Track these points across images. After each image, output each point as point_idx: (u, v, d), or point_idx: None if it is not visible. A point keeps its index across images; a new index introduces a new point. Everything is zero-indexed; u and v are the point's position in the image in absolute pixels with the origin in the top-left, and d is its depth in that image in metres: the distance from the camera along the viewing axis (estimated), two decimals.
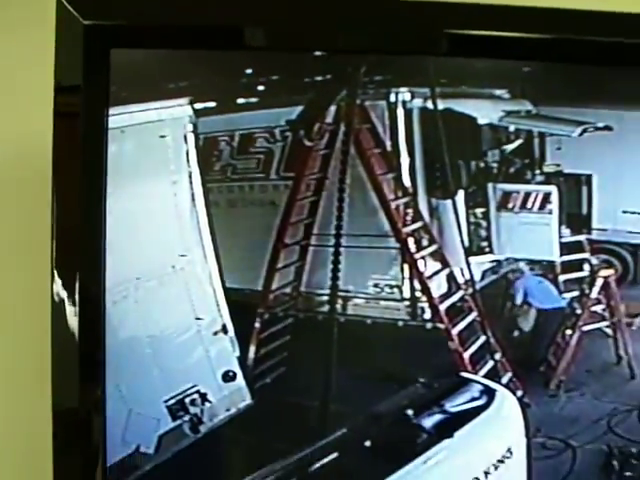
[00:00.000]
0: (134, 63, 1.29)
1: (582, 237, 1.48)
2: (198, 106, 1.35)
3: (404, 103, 1.41)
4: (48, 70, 1.23)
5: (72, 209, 1.27)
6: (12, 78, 1.46)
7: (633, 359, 1.48)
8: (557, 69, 1.37)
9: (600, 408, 1.45)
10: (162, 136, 1.35)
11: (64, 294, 1.27)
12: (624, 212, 1.46)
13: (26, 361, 1.46)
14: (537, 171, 1.47)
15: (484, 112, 1.45)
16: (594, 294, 1.49)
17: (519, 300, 1.51)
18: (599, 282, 1.48)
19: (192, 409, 1.38)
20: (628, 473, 1.43)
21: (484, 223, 1.49)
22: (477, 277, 1.49)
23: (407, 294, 1.49)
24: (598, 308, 1.50)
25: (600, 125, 1.40)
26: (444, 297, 1.48)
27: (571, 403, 1.47)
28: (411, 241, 1.45)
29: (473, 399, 1.45)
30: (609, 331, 1.50)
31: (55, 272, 1.27)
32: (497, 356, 1.46)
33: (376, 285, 1.49)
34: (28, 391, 1.45)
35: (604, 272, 1.48)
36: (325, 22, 1.30)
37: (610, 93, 1.40)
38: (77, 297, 1.27)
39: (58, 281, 1.27)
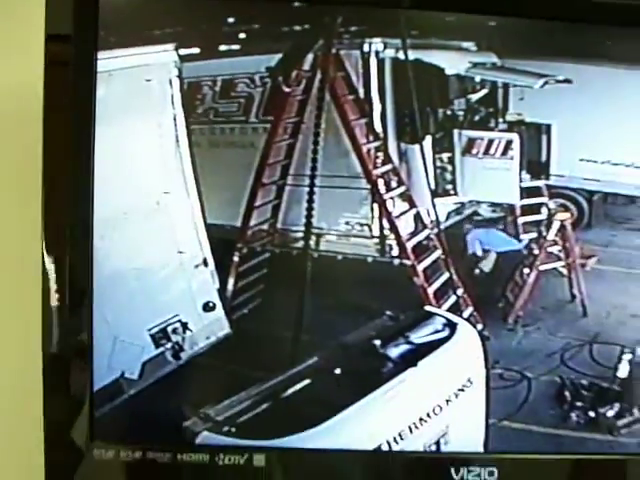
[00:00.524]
0: (122, 9, 1.31)
1: (541, 182, 1.51)
2: (183, 52, 1.36)
3: (377, 53, 1.43)
4: (40, 15, 1.24)
5: (62, 147, 1.28)
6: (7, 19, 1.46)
7: (586, 298, 1.50)
8: (522, 24, 1.40)
9: (554, 342, 1.49)
10: (148, 80, 1.36)
11: (54, 227, 1.29)
12: (581, 160, 1.50)
13: (17, 290, 1.48)
14: (500, 119, 1.50)
15: (452, 63, 1.47)
16: (551, 236, 1.52)
17: (479, 252, 1.54)
18: (556, 225, 1.51)
19: (174, 337, 1.41)
20: (579, 403, 1.46)
21: (449, 167, 1.53)
22: (442, 217, 1.51)
23: (376, 232, 1.51)
24: (554, 249, 1.53)
25: (560, 78, 1.43)
26: (411, 235, 1.50)
27: (527, 337, 1.50)
28: (381, 182, 1.47)
29: (436, 331, 1.49)
30: (564, 271, 1.54)
31: (45, 208, 1.28)
32: (459, 292, 1.49)
33: (347, 223, 1.51)
34: (20, 319, 1.46)
35: (561, 215, 1.51)
36: None
37: (571, 48, 1.43)
38: (66, 230, 1.30)
39: (48, 216, 1.29)
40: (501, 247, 1.55)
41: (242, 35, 1.36)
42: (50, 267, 1.29)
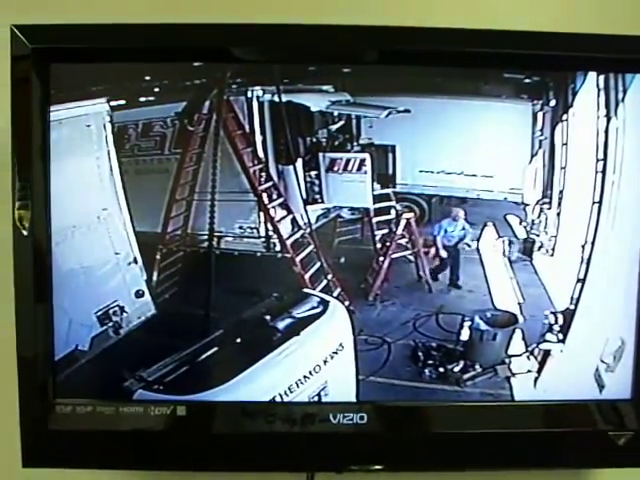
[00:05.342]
0: (66, 74, 1.67)
1: (389, 190, 1.82)
2: (113, 103, 1.70)
3: (257, 97, 1.75)
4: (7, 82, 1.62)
5: (27, 176, 1.68)
6: None
7: (430, 278, 1.86)
8: (368, 69, 1.75)
9: (407, 314, 1.82)
10: (88, 125, 1.70)
11: (22, 237, 1.68)
12: (420, 171, 1.82)
13: None
14: (355, 143, 1.82)
15: (315, 102, 1.78)
16: (399, 231, 1.84)
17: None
18: (403, 222, 1.83)
19: (114, 318, 1.76)
20: (430, 361, 1.81)
21: (317, 181, 1.83)
22: (313, 220, 1.84)
23: (263, 233, 1.84)
24: (402, 241, 1.85)
25: (401, 109, 1.75)
26: (289, 235, 1.83)
27: (385, 310, 1.83)
28: (265, 195, 1.80)
29: (313, 307, 1.82)
30: (411, 258, 1.87)
31: (14, 224, 1.67)
32: (329, 276, 1.82)
33: (241, 227, 1.83)
34: None
35: (406, 215, 1.83)
36: (201, 43, 1.69)
37: (408, 85, 1.74)
38: (30, 239, 1.69)
39: (16, 230, 1.68)
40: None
41: (156, 89, 1.71)
42: (20, 268, 1.70)
